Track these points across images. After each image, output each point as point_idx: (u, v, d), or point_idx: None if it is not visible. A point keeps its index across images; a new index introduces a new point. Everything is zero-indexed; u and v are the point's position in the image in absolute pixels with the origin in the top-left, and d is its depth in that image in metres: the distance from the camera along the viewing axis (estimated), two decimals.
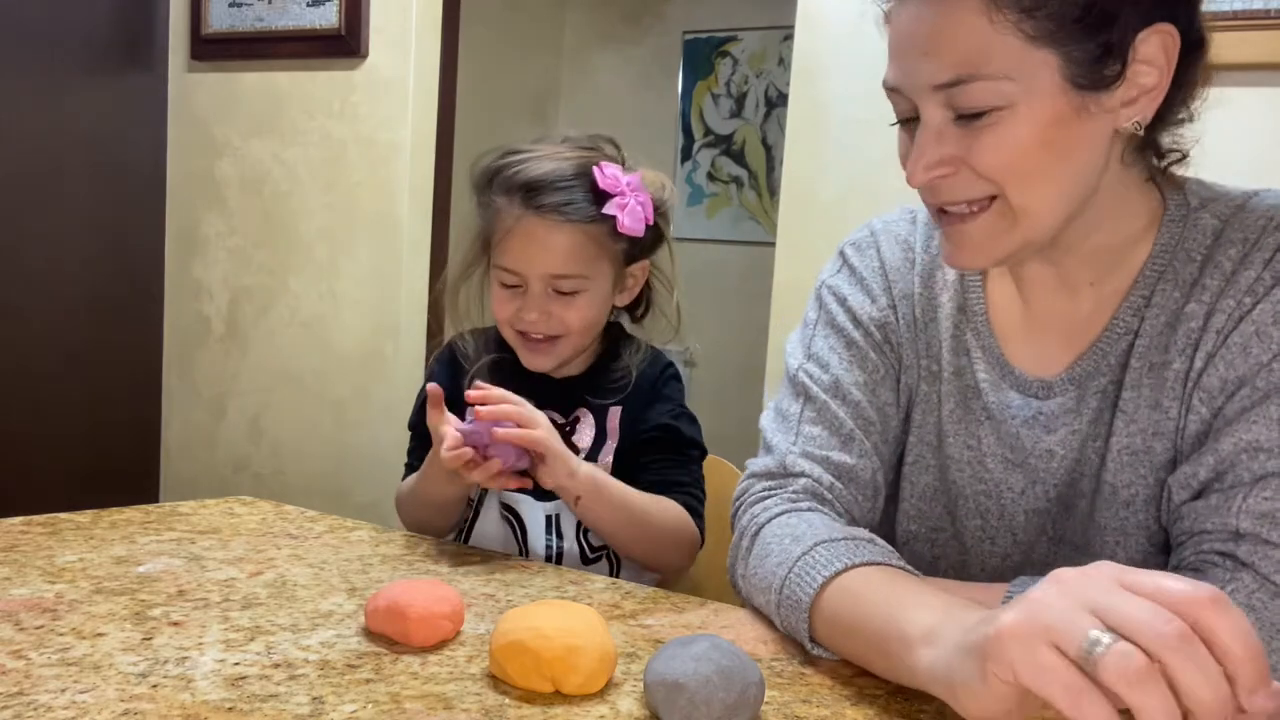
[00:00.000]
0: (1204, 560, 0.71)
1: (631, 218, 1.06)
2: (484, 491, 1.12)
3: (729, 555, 0.88)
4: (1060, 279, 0.82)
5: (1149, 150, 0.77)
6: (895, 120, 0.77)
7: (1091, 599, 0.50)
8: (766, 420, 0.93)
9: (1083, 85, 0.69)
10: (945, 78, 0.70)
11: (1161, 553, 0.77)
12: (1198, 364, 0.74)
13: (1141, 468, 0.77)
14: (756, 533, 0.83)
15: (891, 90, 0.75)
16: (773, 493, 0.86)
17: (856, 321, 0.89)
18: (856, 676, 0.72)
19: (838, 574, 0.72)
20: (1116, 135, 0.73)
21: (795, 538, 0.78)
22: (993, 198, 0.73)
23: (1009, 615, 0.52)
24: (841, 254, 0.94)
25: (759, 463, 0.90)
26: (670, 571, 1.13)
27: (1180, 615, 0.47)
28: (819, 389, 0.88)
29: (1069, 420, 0.81)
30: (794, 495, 0.85)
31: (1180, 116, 0.76)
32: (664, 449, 1.11)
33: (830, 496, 0.85)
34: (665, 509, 1.07)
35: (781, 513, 0.83)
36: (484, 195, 1.10)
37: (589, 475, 1.01)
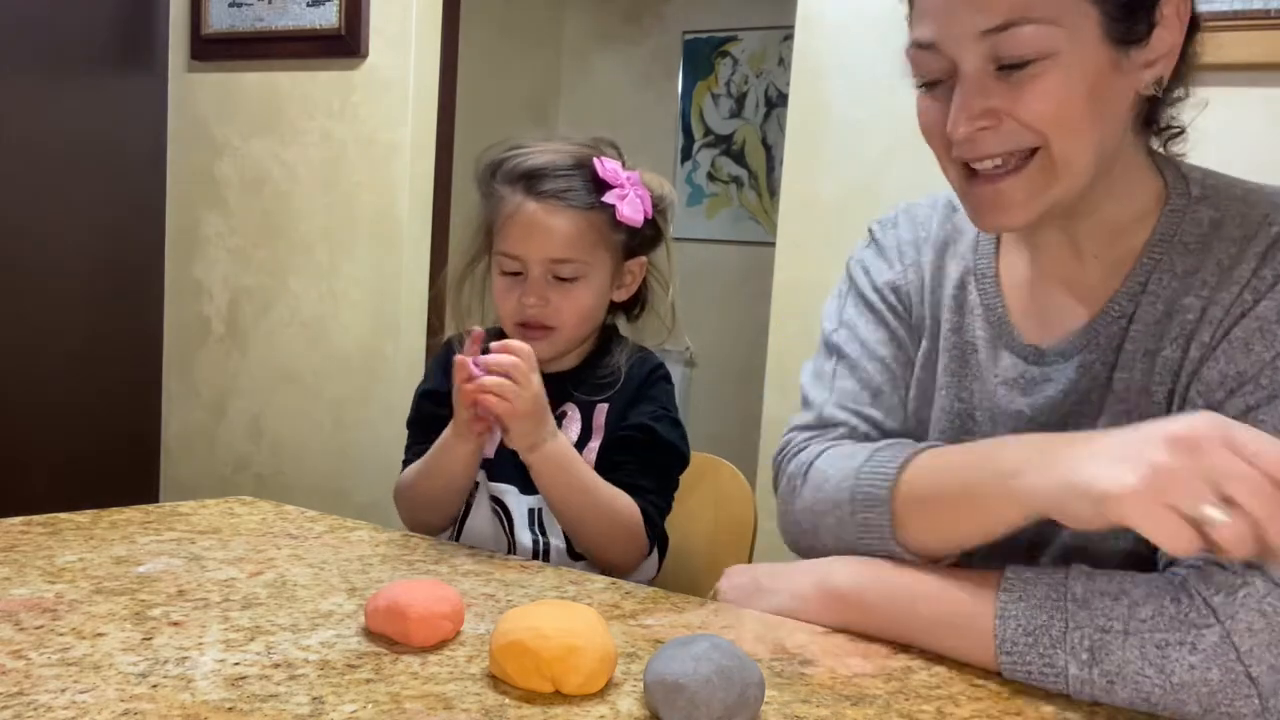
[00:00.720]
0: (1211, 560, 0.70)
1: (630, 207, 1.09)
2: (475, 485, 1.13)
3: (779, 504, 0.92)
4: (1071, 246, 0.83)
5: (1151, 125, 0.79)
6: (919, 83, 0.78)
7: (1205, 467, 0.59)
8: (805, 378, 0.98)
9: (1116, 39, 0.71)
10: (995, 21, 0.70)
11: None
12: (1192, 354, 0.75)
13: None
14: (808, 469, 0.87)
15: (923, 48, 0.75)
16: (814, 440, 0.91)
17: (876, 288, 0.94)
18: (856, 677, 0.72)
19: (909, 459, 0.78)
20: (1133, 100, 0.75)
21: (851, 455, 0.84)
22: (1033, 151, 0.73)
23: (1128, 477, 0.61)
24: (870, 230, 0.99)
25: (799, 418, 0.95)
26: (616, 569, 1.12)
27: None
28: (849, 348, 0.93)
29: (1045, 388, 0.82)
30: (836, 440, 0.89)
31: (1177, 94, 0.78)
32: (636, 450, 1.11)
33: (869, 440, 0.89)
34: (618, 503, 1.07)
35: (828, 449, 0.87)
36: (487, 186, 1.14)
37: (547, 451, 1.03)
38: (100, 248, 2.44)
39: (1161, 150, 0.82)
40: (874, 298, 0.94)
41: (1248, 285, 0.73)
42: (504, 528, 1.12)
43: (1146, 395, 0.77)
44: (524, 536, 1.11)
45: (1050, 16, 0.70)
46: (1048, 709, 0.68)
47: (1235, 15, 1.51)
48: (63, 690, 0.63)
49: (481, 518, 1.13)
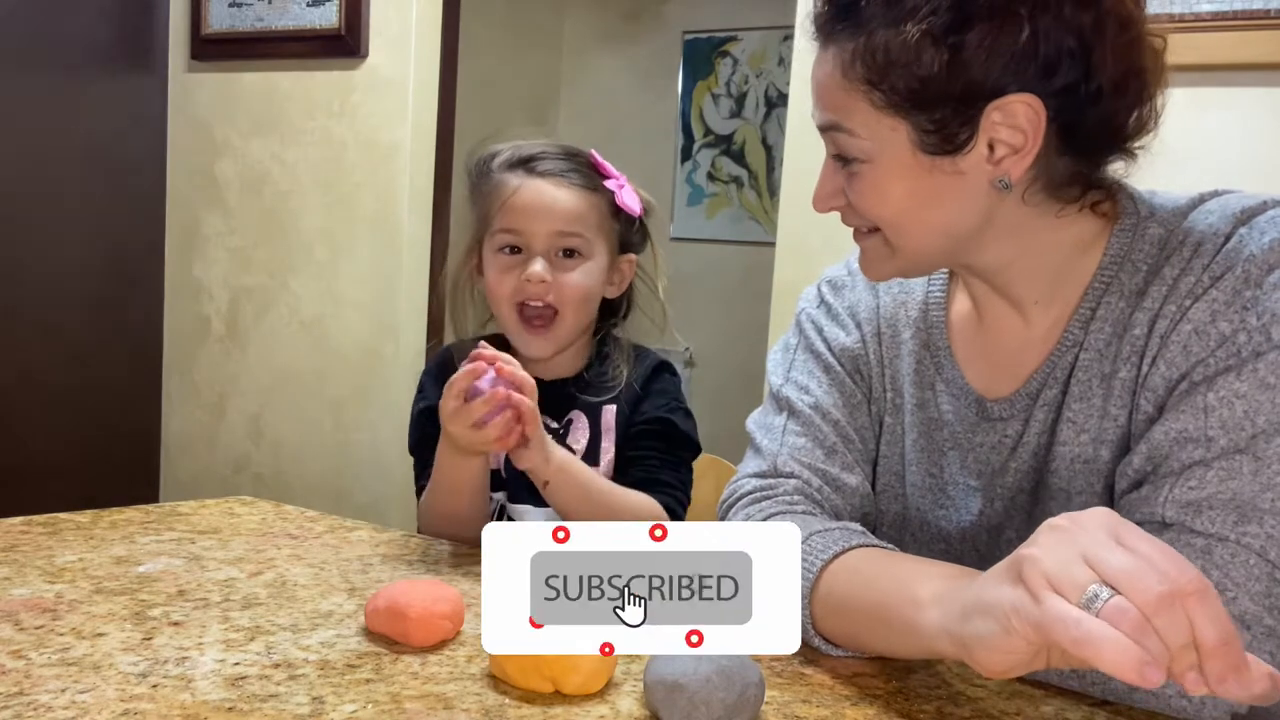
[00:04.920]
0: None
1: (628, 195, 1.11)
2: (501, 506, 1.13)
3: None
4: (1006, 298, 0.83)
5: (1073, 186, 0.76)
6: None
7: (1086, 549, 0.53)
8: (753, 425, 0.96)
9: (930, 150, 0.73)
10: (822, 121, 0.78)
11: None
12: (1144, 369, 0.75)
13: (1091, 475, 0.78)
14: None
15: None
16: (766, 494, 0.88)
17: (832, 351, 0.94)
18: (856, 676, 0.72)
19: (835, 556, 0.74)
20: (994, 188, 0.74)
21: None
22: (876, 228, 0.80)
23: (1016, 574, 0.55)
24: (819, 290, 0.99)
25: (749, 464, 0.93)
26: None
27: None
28: (801, 406, 0.92)
29: (1025, 436, 0.82)
30: (788, 497, 0.87)
31: (1107, 157, 0.76)
32: (656, 441, 1.11)
33: (820, 498, 0.88)
34: (638, 504, 1.05)
35: (777, 513, 0.85)
36: (483, 178, 1.13)
37: (560, 460, 1.01)
38: (100, 248, 2.44)
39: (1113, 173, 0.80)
40: (830, 360, 0.93)
41: (1188, 294, 0.73)
42: None
43: (1106, 418, 0.77)
44: None
45: (860, 130, 0.75)
46: (1048, 709, 0.68)
47: (1235, 15, 1.51)
48: (63, 690, 0.63)
49: None
